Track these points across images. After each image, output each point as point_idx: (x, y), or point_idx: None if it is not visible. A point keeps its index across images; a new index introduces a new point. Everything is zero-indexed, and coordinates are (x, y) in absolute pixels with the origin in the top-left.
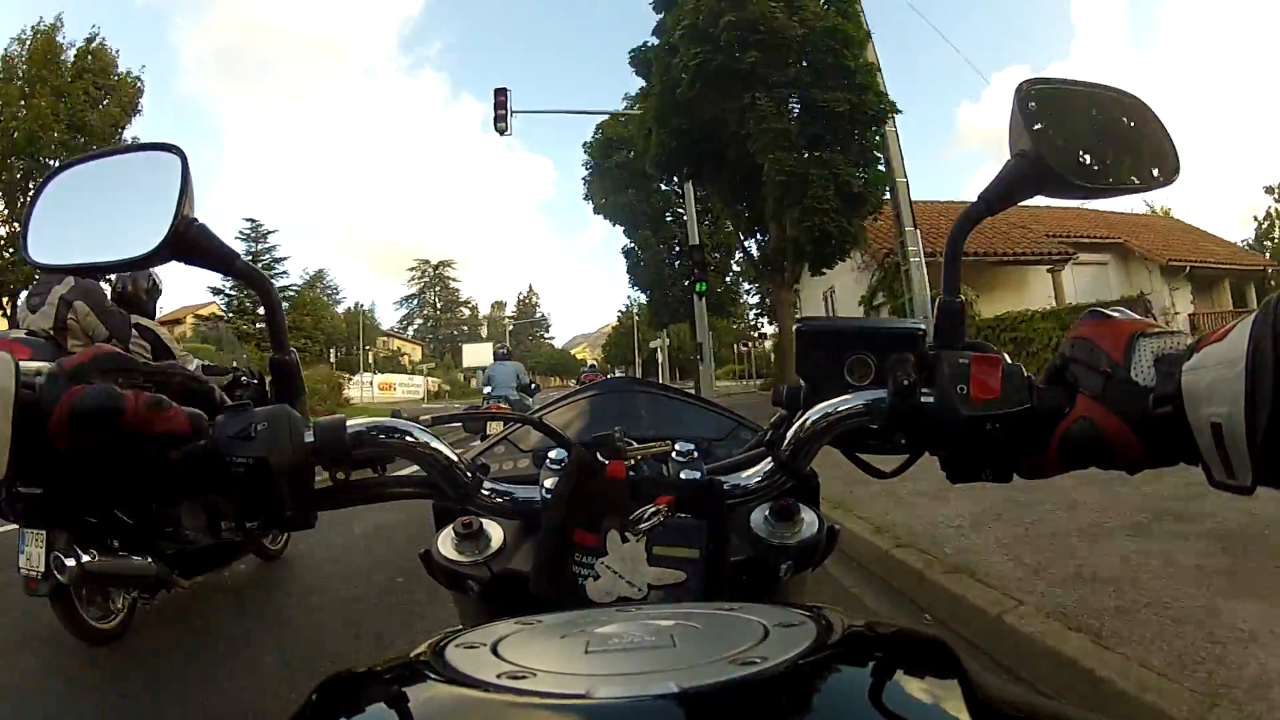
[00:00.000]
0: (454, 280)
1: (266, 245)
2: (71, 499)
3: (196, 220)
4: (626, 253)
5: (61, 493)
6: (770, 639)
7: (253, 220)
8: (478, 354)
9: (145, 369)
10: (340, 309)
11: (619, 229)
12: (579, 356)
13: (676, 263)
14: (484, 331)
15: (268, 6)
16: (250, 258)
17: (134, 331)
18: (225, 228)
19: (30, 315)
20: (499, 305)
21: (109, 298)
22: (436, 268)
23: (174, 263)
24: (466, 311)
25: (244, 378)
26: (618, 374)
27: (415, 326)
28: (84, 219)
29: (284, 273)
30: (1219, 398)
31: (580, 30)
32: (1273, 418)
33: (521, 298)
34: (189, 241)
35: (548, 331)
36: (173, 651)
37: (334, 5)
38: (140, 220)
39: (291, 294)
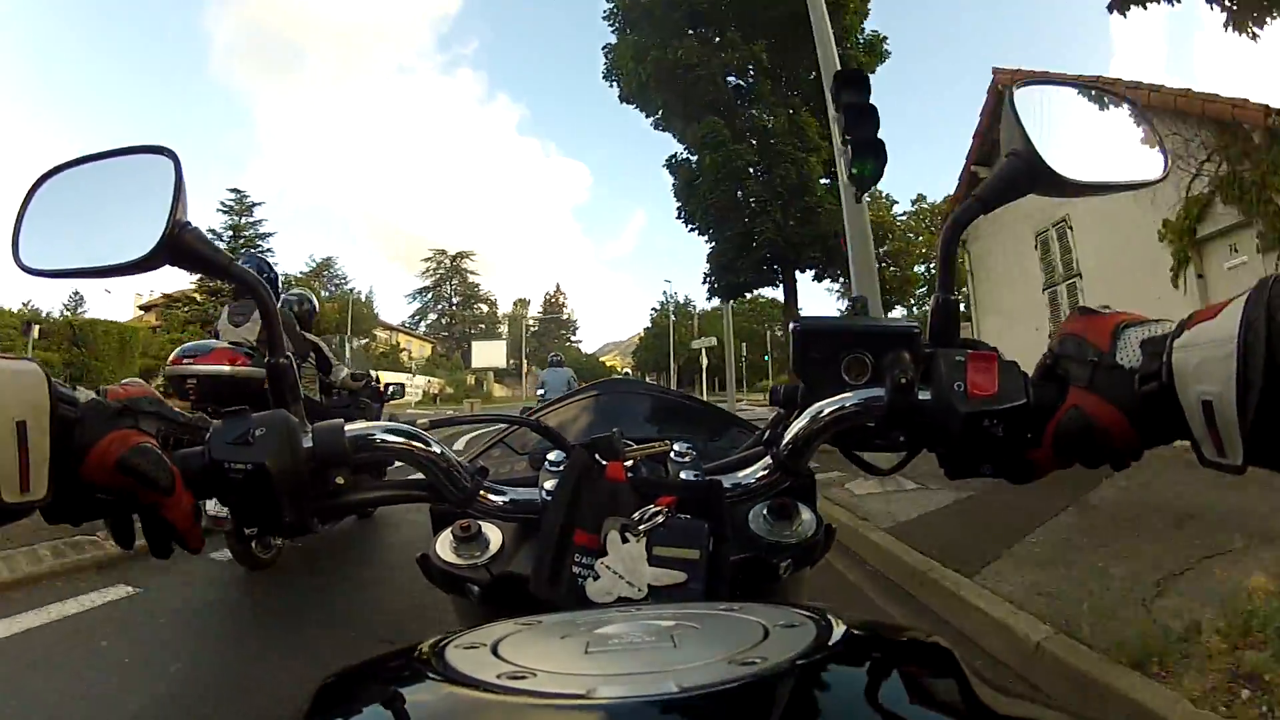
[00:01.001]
0: (473, 274)
1: (251, 219)
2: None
3: (190, 224)
4: (674, 167)
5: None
6: (770, 639)
7: (237, 191)
8: (489, 353)
9: (181, 419)
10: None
11: (663, 140)
12: (609, 364)
13: (762, 174)
14: (504, 330)
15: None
16: (232, 232)
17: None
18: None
19: (233, 329)
20: (522, 303)
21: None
22: (454, 259)
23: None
24: (485, 308)
25: (373, 382)
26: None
27: (429, 322)
28: (75, 224)
29: (269, 250)
30: (1210, 376)
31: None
32: (1264, 398)
33: (548, 297)
34: (183, 246)
35: (575, 334)
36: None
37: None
38: (133, 225)
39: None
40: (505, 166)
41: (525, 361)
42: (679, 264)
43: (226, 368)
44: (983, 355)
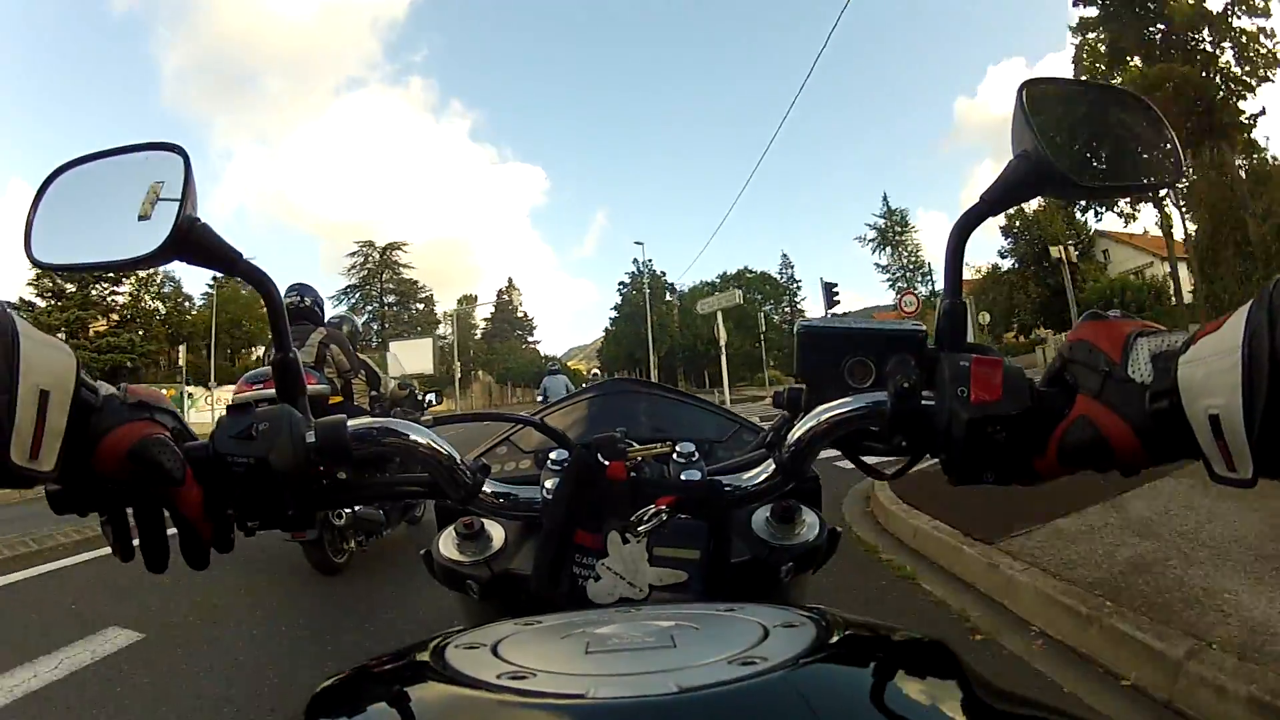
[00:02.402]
0: (405, 267)
1: None
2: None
3: (199, 219)
4: None
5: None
6: (770, 640)
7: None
8: (412, 356)
9: (191, 430)
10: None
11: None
12: (575, 367)
13: None
14: (446, 329)
15: (248, 20)
16: None
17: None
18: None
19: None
20: (467, 300)
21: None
22: (384, 252)
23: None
24: (420, 306)
25: (414, 390)
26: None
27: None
28: (86, 219)
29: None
30: (1216, 389)
31: (570, 31)
32: (1270, 406)
33: (500, 293)
34: (192, 241)
35: (531, 334)
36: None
37: (315, 16)
38: (144, 220)
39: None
40: (459, 174)
41: (459, 367)
42: (648, 239)
43: None
44: (988, 360)
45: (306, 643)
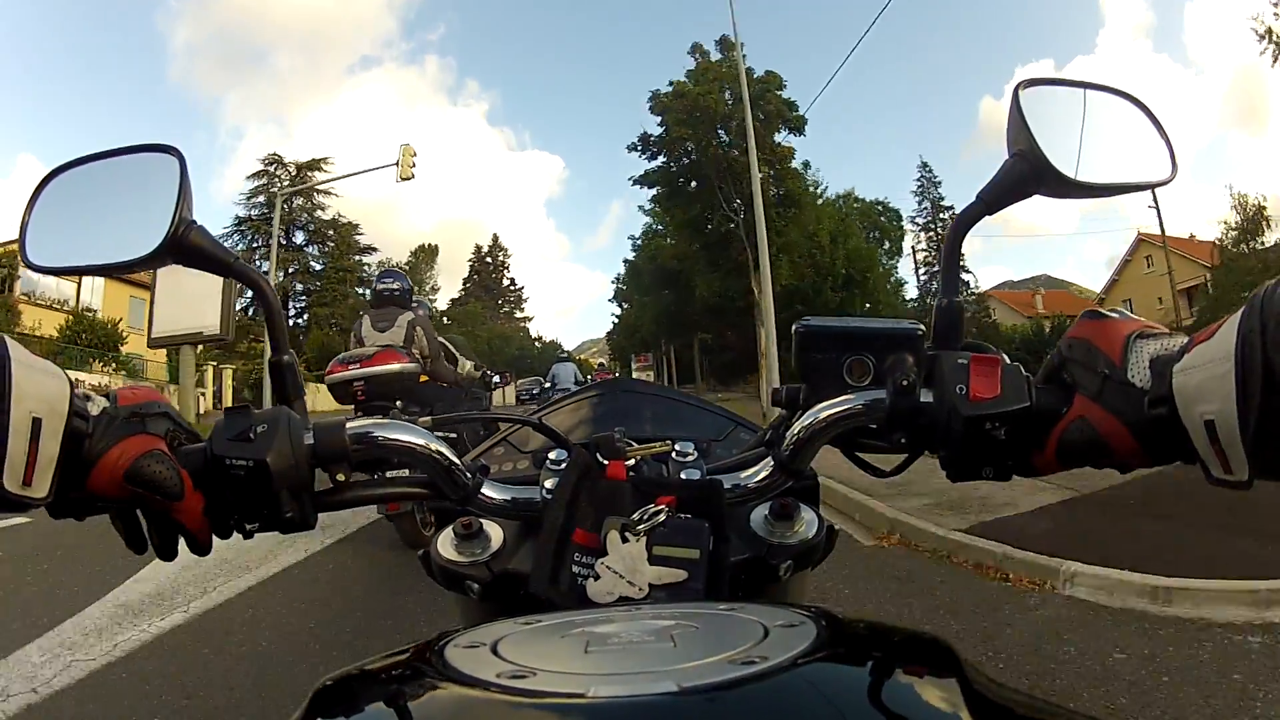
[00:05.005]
0: (328, 193)
1: None
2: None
3: (195, 222)
4: None
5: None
6: (770, 639)
7: None
8: (184, 301)
9: (186, 425)
10: None
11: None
12: (589, 362)
13: None
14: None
15: None
16: None
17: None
18: (221, 223)
19: (379, 334)
20: (424, 250)
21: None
22: (298, 172)
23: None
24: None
25: (486, 372)
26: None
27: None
28: (82, 221)
29: None
30: (1210, 395)
31: (597, 23)
32: (1264, 411)
33: (480, 252)
34: (187, 244)
35: (521, 308)
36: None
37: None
38: (139, 222)
39: None
40: (475, 159)
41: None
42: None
43: (395, 366)
44: (986, 358)
45: None
